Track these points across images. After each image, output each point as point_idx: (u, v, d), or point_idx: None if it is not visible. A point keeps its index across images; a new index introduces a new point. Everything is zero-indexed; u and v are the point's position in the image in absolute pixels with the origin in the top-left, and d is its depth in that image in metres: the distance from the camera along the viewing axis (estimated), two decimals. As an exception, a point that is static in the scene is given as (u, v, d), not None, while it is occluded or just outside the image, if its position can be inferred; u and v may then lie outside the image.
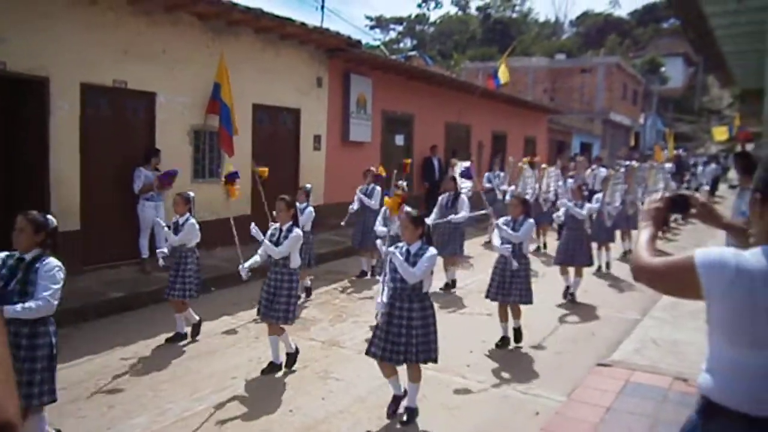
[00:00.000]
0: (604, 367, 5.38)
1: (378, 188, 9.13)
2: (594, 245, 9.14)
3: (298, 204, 7.24)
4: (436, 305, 4.74)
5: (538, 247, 11.80)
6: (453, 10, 63.10)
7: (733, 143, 21.66)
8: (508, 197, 10.11)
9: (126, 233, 8.41)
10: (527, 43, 49.19)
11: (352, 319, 7.17)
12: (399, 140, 15.10)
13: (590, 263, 8.07)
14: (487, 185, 12.20)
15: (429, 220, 6.77)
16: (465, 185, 10.03)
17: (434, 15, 63.11)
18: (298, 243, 5.51)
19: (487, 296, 6.37)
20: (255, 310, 6.76)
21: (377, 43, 35.26)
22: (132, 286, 7.62)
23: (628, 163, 13.70)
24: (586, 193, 9.95)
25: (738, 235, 2.25)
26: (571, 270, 8.29)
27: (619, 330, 6.90)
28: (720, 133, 24.35)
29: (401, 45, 56.25)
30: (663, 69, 42.22)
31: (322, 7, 21.16)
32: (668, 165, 17.50)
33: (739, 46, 8.39)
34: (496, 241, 6.25)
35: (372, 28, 58.98)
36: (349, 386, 5.17)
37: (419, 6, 63.13)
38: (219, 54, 9.28)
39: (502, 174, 12.40)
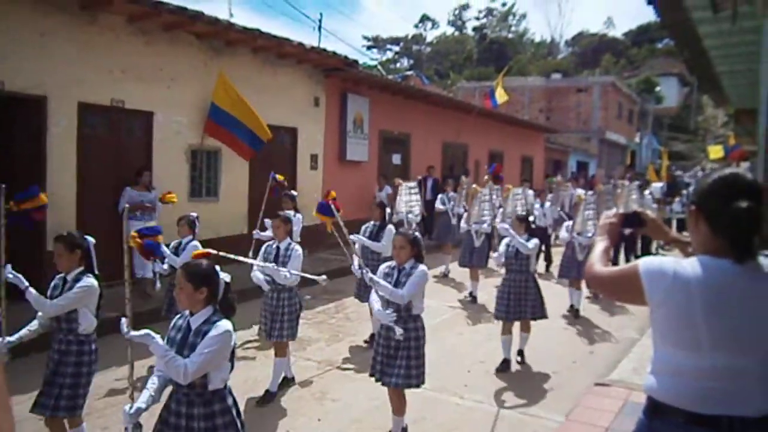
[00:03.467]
0: (603, 386, 5.34)
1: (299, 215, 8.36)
2: (564, 284, 8.72)
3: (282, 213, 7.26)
4: (434, 323, 4.74)
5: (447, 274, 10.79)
6: (449, 30, 63.75)
7: (727, 161, 21.75)
8: (463, 223, 9.60)
9: (122, 252, 8.35)
10: (523, 62, 49.60)
11: (348, 338, 7.12)
12: (396, 159, 15.14)
13: (543, 315, 6.28)
14: (441, 207, 11.25)
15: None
16: (412, 209, 9.35)
17: (431, 35, 63.43)
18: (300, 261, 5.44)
19: (496, 317, 6.29)
20: (253, 330, 6.74)
21: (374, 63, 35.49)
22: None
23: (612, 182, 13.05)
24: (533, 224, 9.15)
25: (683, 248, 2.38)
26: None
27: (618, 349, 6.87)
28: (715, 151, 24.48)
29: (398, 65, 56.65)
30: (658, 89, 42.51)
31: (320, 27, 21.41)
32: (657, 185, 17.50)
33: (733, 66, 8.44)
34: (376, 305, 4.41)
35: (369, 48, 59.44)
36: (346, 407, 5.12)
37: (416, 26, 63.65)
38: (217, 73, 9.32)
39: (456, 195, 11.15)
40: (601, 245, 2.25)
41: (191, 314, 2.98)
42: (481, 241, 9.29)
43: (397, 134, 15.06)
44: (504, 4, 62.85)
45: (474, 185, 9.95)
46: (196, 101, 9.38)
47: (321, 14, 28.81)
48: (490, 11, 63.00)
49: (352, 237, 6.39)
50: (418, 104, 15.58)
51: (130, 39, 8.47)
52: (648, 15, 65.76)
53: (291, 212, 7.56)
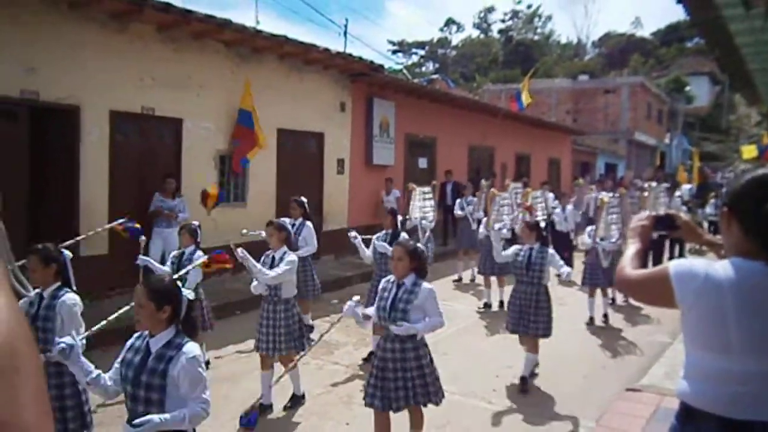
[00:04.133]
0: (634, 392, 5.26)
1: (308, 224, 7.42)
2: (585, 291, 8.36)
3: (291, 220, 7.05)
4: (459, 328, 4.68)
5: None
6: (475, 33, 63.55)
7: (762, 161, 21.28)
8: (482, 228, 9.17)
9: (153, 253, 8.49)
10: (549, 64, 49.19)
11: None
12: (422, 163, 15.13)
13: (547, 333, 5.76)
14: (459, 213, 10.92)
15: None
16: (426, 214, 9.10)
17: (456, 38, 63.28)
18: (293, 269, 5.03)
19: (507, 329, 6.06)
20: (249, 343, 6.76)
21: (399, 67, 35.52)
22: (217, 298, 7.61)
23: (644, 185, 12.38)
24: (545, 229, 8.64)
25: (717, 250, 2.36)
26: (598, 293, 8.16)
27: (649, 354, 6.76)
28: (749, 151, 23.95)
29: (423, 68, 56.63)
30: (688, 88, 41.78)
31: (345, 33, 21.52)
32: (687, 186, 17.17)
33: (766, 63, 8.28)
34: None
35: (394, 52, 59.52)
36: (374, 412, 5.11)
37: (441, 30, 63.65)
38: (244, 80, 9.43)
39: (475, 200, 10.70)
40: (632, 248, 2.24)
41: (151, 335, 2.75)
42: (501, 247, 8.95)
43: (422, 138, 15.05)
44: (529, 6, 62.50)
45: (493, 189, 9.50)
46: (223, 108, 9.50)
47: (347, 19, 29.03)
48: (515, 13, 62.69)
49: (374, 243, 6.53)
50: (443, 108, 15.56)
51: (160, 47, 8.62)
52: (677, 14, 64.86)
53: (299, 219, 7.27)
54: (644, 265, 2.19)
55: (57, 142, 7.79)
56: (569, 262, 10.93)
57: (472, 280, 10.75)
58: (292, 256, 5.07)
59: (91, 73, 7.76)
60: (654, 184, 11.94)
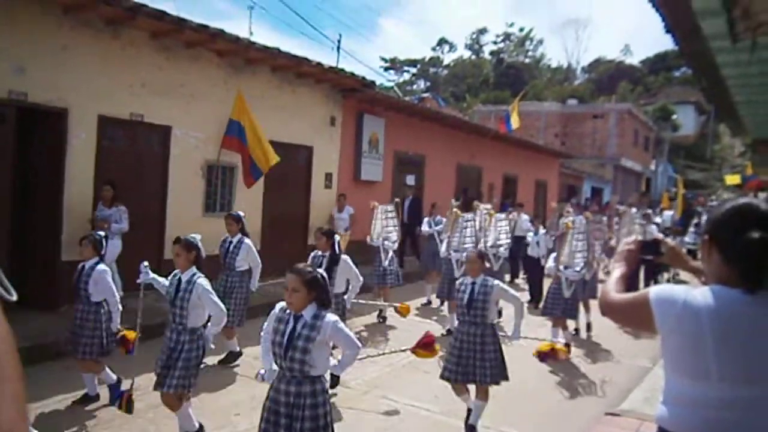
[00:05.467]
0: (614, 416, 5.26)
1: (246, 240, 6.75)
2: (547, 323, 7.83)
3: (229, 237, 6.68)
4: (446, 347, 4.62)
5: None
6: (466, 53, 64.06)
7: (744, 191, 21.56)
8: (443, 249, 8.67)
9: (137, 263, 8.41)
10: (539, 87, 49.69)
11: (370, 342, 7.08)
12: (410, 180, 15.17)
13: (500, 379, 4.98)
14: (426, 230, 10.46)
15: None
16: (389, 234, 8.77)
17: (448, 58, 63.77)
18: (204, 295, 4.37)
19: (441, 376, 5.05)
20: (256, 348, 6.71)
21: (391, 84, 35.76)
22: (145, 316, 7.55)
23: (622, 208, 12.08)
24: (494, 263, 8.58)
25: (701, 277, 2.37)
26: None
27: (630, 377, 6.78)
28: (732, 179, 24.36)
29: (415, 86, 57.00)
30: (674, 116, 42.39)
31: (338, 48, 21.65)
32: (669, 213, 17.38)
33: (751, 96, 8.40)
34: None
35: (386, 69, 59.85)
36: (353, 428, 5.07)
37: (433, 49, 64.07)
38: (236, 90, 9.43)
39: (445, 220, 9.81)
40: (617, 272, 2.26)
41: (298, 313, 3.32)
42: (462, 272, 7.77)
43: (411, 155, 15.11)
44: (521, 30, 63.18)
45: (455, 209, 8.92)
46: (214, 117, 9.48)
47: (340, 35, 29.20)
48: (507, 36, 63.33)
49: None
50: (433, 126, 15.65)
51: (152, 54, 8.60)
52: (666, 43, 65.87)
53: (237, 236, 6.63)
54: (628, 290, 2.21)
55: (44, 144, 7.74)
56: (539, 291, 10.29)
57: (427, 303, 10.26)
58: (202, 280, 4.39)
59: (82, 76, 7.73)
60: (634, 210, 11.94)
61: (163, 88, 8.78)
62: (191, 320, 4.36)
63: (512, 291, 5.18)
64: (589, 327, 8.46)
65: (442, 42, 63.73)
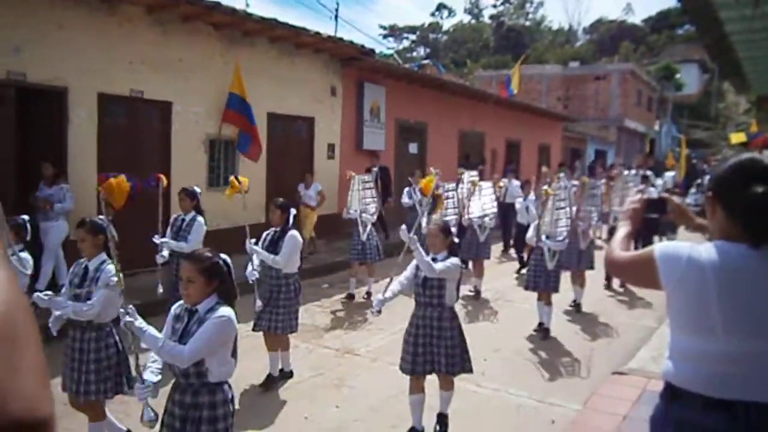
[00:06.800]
0: (621, 375, 5.33)
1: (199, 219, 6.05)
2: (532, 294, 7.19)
3: (182, 214, 6.06)
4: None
5: (477, 291, 8.70)
6: (466, 18, 63.41)
7: (749, 149, 21.45)
8: (424, 222, 7.32)
9: (143, 240, 8.46)
10: (541, 50, 49.16)
11: (365, 326, 7.17)
12: (413, 148, 15.13)
13: (463, 369, 4.37)
14: (407, 201, 9.93)
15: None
16: (367, 206, 8.13)
17: (447, 24, 63.16)
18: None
19: (401, 369, 4.42)
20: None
21: (390, 51, 35.35)
22: (146, 294, 7.63)
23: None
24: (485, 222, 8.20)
25: (706, 234, 2.38)
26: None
27: (636, 338, 6.85)
28: (738, 137, 24.21)
29: (414, 54, 56.44)
30: (678, 76, 41.91)
31: (336, 17, 21.35)
32: (670, 174, 17.27)
33: (755, 52, 8.32)
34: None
35: (385, 37, 59.27)
36: (363, 395, 5.16)
37: (432, 15, 63.49)
38: (234, 63, 9.37)
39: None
40: (622, 230, 2.28)
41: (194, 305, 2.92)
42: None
43: (413, 123, 15.04)
44: (521, -9, 62.26)
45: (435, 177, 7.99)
46: (213, 91, 9.44)
47: (338, 3, 28.41)
48: (507, -1, 62.47)
49: (247, 246, 5.35)
50: (434, 93, 15.53)
51: (149, 30, 8.53)
52: (668, 1, 64.85)
53: (190, 214, 6.02)
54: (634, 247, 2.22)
55: (44, 123, 7.73)
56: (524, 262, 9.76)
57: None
58: (109, 268, 3.75)
59: (80, 55, 7.69)
60: (631, 172, 11.54)
61: (162, 64, 8.72)
62: (102, 314, 3.75)
63: (456, 274, 4.32)
64: (579, 306, 8.01)
65: (440, 7, 62.99)
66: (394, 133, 14.23)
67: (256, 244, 5.43)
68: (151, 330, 2.94)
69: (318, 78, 11.72)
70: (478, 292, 8.67)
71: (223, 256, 2.99)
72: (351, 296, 8.32)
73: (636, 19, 59.17)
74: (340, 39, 11.55)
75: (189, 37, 9.11)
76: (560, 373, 5.82)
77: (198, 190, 6.21)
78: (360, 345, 6.46)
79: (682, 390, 1.96)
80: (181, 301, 2.98)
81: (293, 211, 5.59)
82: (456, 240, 4.65)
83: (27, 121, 7.74)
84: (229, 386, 2.97)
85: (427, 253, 4.34)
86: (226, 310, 2.87)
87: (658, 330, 6.79)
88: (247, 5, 10.42)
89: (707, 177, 18.74)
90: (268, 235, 5.51)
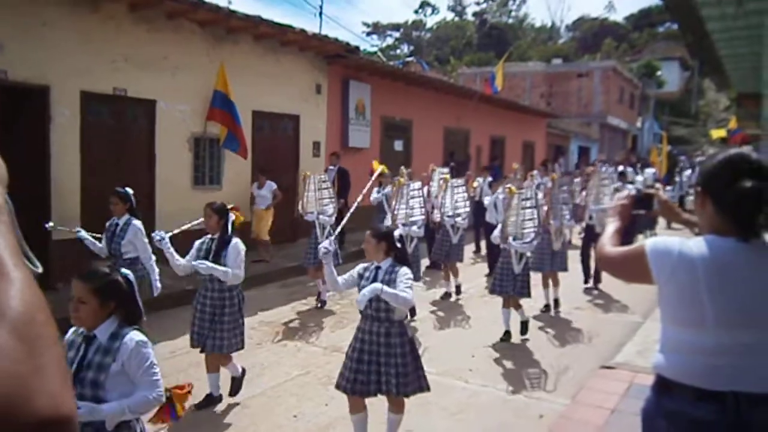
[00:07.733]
0: (608, 369, 5.39)
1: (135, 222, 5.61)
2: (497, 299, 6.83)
3: (115, 219, 5.63)
4: (438, 311, 4.66)
5: (458, 288, 8.45)
6: (449, 15, 63.36)
7: (729, 144, 21.74)
8: (387, 222, 7.31)
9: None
10: (524, 48, 49.37)
11: (352, 325, 7.14)
12: (398, 146, 15.14)
13: (418, 388, 3.93)
14: (376, 197, 9.55)
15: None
16: (324, 207, 7.65)
17: (431, 21, 63.33)
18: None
19: (337, 386, 3.99)
20: (259, 315, 6.78)
21: (374, 49, 35.31)
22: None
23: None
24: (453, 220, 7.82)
25: (693, 229, 2.44)
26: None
27: (622, 332, 6.92)
28: (718, 133, 24.54)
29: (398, 51, 56.36)
30: (659, 73, 42.30)
31: (320, 14, 21.34)
32: (650, 170, 17.49)
33: (737, 50, 8.43)
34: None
35: (369, 34, 59.09)
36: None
37: (416, 12, 63.31)
38: (219, 61, 9.32)
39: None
40: (612, 226, 2.32)
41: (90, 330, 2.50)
42: (413, 247, 7.24)
43: (398, 120, 15.06)
44: (504, -11, 62.43)
45: (400, 177, 7.77)
46: (198, 89, 9.38)
47: (322, 0, 28.32)
48: (490, -4, 62.60)
49: (193, 263, 4.66)
50: (419, 90, 15.56)
51: (133, 28, 8.45)
52: (649, -2, 65.34)
53: (124, 217, 5.59)
54: (623, 243, 2.26)
55: (27, 122, 7.64)
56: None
57: None
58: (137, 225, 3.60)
59: (62, 53, 7.60)
60: (609, 168, 11.58)
61: (146, 62, 8.65)
62: None
63: (409, 287, 3.75)
64: (557, 303, 7.80)
65: (424, 4, 62.84)
66: (380, 131, 14.24)
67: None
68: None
69: (303, 76, 11.68)
70: (458, 288, 8.46)
71: (125, 271, 2.64)
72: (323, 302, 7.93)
73: (618, 16, 59.78)
74: (325, 36, 11.52)
75: (173, 35, 9.04)
76: (548, 367, 5.86)
77: (131, 191, 5.69)
78: (346, 343, 6.44)
79: (673, 382, 1.99)
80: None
81: (232, 216, 4.91)
82: (402, 245, 4.06)
83: (9, 120, 7.63)
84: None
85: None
86: (138, 335, 2.54)
87: (644, 325, 6.87)
88: (230, 2, 10.33)
89: (686, 173, 18.99)
90: (203, 244, 4.82)
